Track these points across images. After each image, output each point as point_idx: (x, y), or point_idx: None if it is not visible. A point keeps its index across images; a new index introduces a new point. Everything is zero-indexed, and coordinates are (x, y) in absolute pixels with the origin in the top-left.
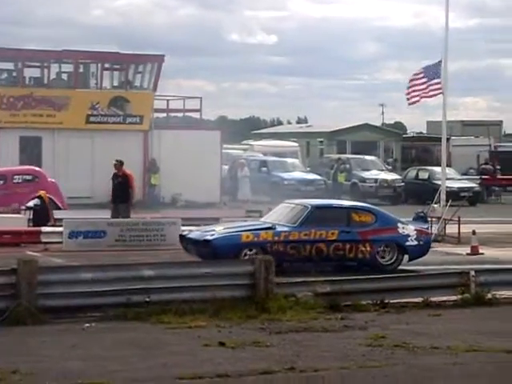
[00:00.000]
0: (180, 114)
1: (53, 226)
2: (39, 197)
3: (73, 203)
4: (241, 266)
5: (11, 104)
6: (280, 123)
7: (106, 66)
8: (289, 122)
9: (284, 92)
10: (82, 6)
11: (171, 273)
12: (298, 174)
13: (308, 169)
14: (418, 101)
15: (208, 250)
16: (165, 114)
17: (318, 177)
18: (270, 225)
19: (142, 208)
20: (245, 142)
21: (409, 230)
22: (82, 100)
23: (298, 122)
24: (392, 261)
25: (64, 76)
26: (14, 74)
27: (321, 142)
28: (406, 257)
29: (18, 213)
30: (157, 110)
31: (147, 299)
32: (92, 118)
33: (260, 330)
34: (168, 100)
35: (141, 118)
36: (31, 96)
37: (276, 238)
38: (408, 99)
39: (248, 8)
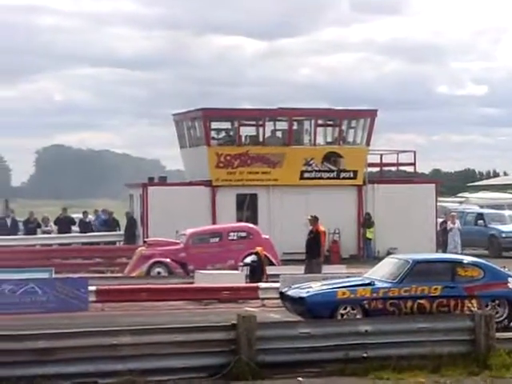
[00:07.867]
0: (393, 168)
1: (266, 281)
2: (256, 253)
3: (289, 259)
4: (459, 321)
5: (228, 162)
6: (496, 175)
7: (320, 122)
8: (505, 174)
9: (497, 143)
10: (290, 65)
11: (388, 328)
12: None
13: None
14: None
15: (303, 308)
16: (378, 169)
17: None
18: (368, 281)
19: (358, 263)
20: (460, 194)
21: None
22: (296, 156)
23: None
24: (503, 318)
25: (278, 133)
26: (231, 133)
27: None
28: None
29: (235, 269)
30: (370, 165)
31: (365, 355)
32: (306, 174)
33: None
34: (381, 154)
35: (354, 173)
36: (247, 154)
37: (374, 295)
38: None
39: (456, 60)
